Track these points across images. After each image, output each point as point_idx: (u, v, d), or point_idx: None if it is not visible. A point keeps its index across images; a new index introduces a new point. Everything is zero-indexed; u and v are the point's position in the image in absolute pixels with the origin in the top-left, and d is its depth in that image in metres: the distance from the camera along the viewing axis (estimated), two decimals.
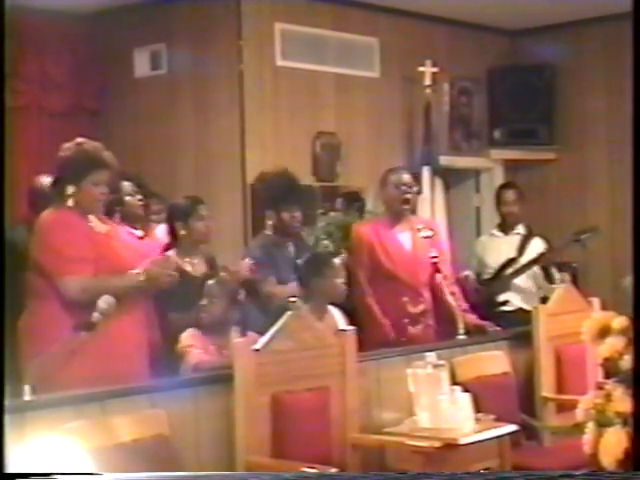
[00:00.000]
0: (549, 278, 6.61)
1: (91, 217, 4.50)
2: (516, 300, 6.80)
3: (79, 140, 4.54)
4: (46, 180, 5.22)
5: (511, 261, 6.87)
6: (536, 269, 6.82)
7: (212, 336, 4.70)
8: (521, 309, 6.56)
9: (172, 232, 5.30)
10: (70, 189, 4.43)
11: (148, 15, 7.55)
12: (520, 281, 6.83)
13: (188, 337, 4.71)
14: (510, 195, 7.07)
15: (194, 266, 5.20)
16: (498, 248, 6.98)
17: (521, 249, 6.90)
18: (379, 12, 7.90)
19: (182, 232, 5.24)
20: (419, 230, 5.84)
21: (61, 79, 7.60)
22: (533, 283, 6.85)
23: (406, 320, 5.77)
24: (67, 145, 4.53)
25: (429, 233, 5.84)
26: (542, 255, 6.77)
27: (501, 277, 6.87)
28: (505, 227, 7.07)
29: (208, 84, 7.36)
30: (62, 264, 4.32)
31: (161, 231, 5.62)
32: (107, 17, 7.63)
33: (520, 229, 7.02)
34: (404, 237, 5.90)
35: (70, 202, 4.43)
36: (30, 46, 7.28)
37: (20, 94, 7.23)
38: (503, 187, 7.34)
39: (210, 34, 7.32)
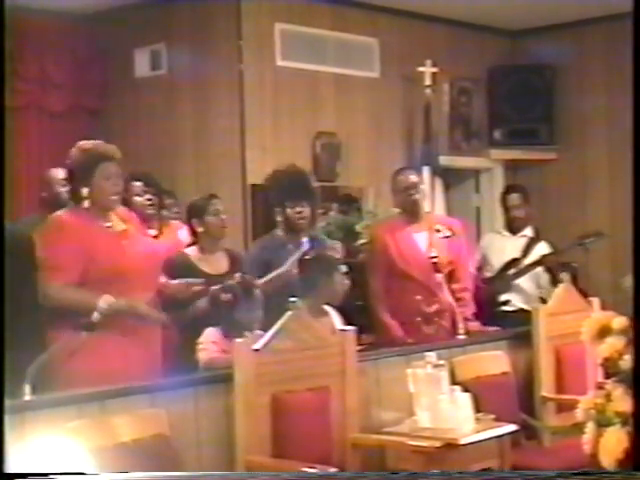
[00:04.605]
0: (554, 281, 6.56)
1: (111, 216, 4.53)
2: (517, 301, 6.79)
3: (79, 143, 4.59)
4: (60, 175, 5.23)
5: (514, 261, 6.86)
6: (540, 271, 6.80)
7: (234, 336, 4.53)
8: (522, 309, 6.53)
9: (192, 231, 5.35)
10: (84, 190, 4.46)
11: (148, 15, 7.56)
12: (522, 282, 6.82)
13: (209, 335, 4.69)
14: (515, 199, 7.01)
15: (213, 264, 5.22)
16: (503, 248, 6.95)
17: (526, 251, 6.88)
18: (379, 12, 7.90)
19: (200, 229, 5.28)
20: (438, 231, 5.82)
21: (61, 79, 7.59)
22: (534, 285, 6.84)
23: (419, 319, 5.76)
24: (71, 151, 4.57)
25: (448, 233, 5.82)
26: (545, 257, 6.76)
27: (503, 277, 6.86)
28: (512, 229, 7.03)
29: (208, 84, 7.36)
30: (48, 267, 4.35)
31: (184, 233, 5.64)
32: (107, 17, 7.64)
33: (528, 231, 6.98)
34: (420, 237, 5.88)
35: (86, 204, 4.46)
36: (30, 46, 7.28)
37: (20, 94, 7.23)
38: (507, 191, 7.26)
39: (210, 34, 7.32)
